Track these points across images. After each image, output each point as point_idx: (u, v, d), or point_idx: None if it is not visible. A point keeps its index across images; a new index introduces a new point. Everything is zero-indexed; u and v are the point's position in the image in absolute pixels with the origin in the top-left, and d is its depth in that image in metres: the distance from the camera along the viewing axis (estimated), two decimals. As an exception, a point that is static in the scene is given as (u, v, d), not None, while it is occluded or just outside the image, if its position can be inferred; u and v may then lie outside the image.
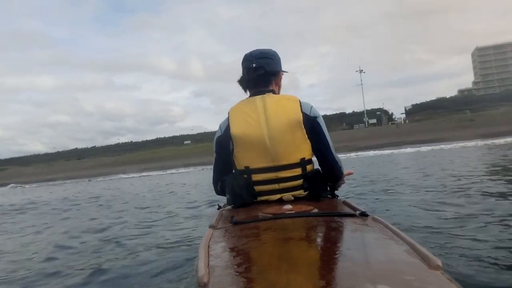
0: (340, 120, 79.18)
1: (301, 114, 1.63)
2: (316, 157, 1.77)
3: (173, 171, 28.57)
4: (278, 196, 1.68)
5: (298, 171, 1.68)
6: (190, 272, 2.00)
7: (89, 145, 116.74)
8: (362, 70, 74.36)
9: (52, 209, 7.41)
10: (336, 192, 1.87)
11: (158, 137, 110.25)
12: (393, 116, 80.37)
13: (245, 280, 0.80)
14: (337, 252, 0.94)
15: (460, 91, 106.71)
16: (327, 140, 1.72)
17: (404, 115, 78.25)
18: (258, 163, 1.67)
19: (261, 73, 1.74)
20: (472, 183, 4.92)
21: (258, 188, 1.68)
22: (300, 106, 1.66)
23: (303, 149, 1.68)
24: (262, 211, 1.39)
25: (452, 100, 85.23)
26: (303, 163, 1.69)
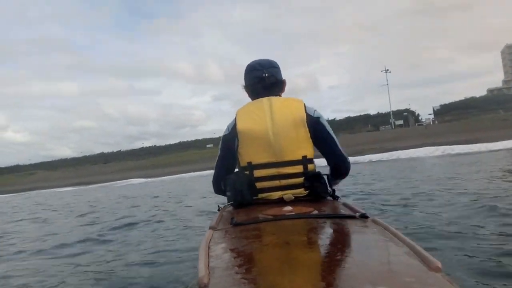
0: (365, 121, 77.55)
1: (305, 114, 1.72)
2: (324, 156, 1.84)
3: (198, 173, 28.20)
4: (279, 193, 1.71)
5: (299, 169, 1.72)
6: (190, 273, 2.00)
7: (115, 149, 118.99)
8: (387, 70, 71.94)
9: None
10: (336, 193, 1.86)
11: (181, 141, 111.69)
12: (419, 117, 77.88)
13: (245, 281, 0.80)
14: (337, 253, 0.94)
15: (490, 90, 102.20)
16: (332, 137, 1.80)
17: (432, 116, 75.65)
18: (261, 158, 1.72)
19: (273, 81, 1.85)
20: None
21: (259, 184, 1.72)
22: (305, 107, 1.75)
23: (305, 147, 1.73)
24: (263, 213, 1.40)
25: (482, 99, 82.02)
26: (305, 161, 1.73)
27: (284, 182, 1.72)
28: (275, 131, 1.69)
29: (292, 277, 0.78)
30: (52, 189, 34.45)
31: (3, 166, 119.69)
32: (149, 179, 29.63)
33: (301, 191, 1.72)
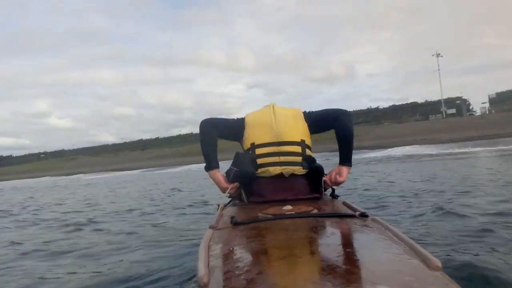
0: (413, 110, 72.88)
1: (302, 113, 2.01)
2: (325, 120, 1.99)
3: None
4: (278, 168, 1.85)
5: (298, 149, 1.89)
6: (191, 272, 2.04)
7: (153, 136, 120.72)
8: (439, 54, 66.53)
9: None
10: (336, 192, 1.94)
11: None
12: (470, 107, 71.85)
13: (245, 280, 0.80)
14: (337, 252, 0.94)
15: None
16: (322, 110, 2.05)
17: (487, 104, 69.56)
18: (263, 139, 1.91)
19: None
20: None
21: (260, 160, 1.87)
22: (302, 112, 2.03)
23: (304, 134, 1.94)
24: (262, 212, 1.41)
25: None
26: (303, 144, 1.91)
27: (283, 158, 1.86)
28: (277, 120, 1.92)
29: (292, 276, 0.79)
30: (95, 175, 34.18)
31: (49, 150, 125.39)
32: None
33: (300, 169, 1.86)
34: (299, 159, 1.87)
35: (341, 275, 0.78)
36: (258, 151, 1.88)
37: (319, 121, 1.97)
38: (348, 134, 1.92)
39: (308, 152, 1.91)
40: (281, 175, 1.84)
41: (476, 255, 1.98)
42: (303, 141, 1.90)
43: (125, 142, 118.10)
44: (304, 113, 2.00)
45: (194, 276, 1.86)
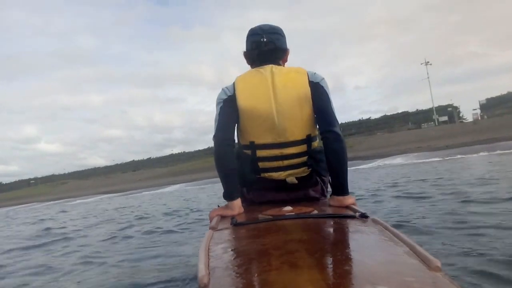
0: (405, 119, 72.63)
1: (309, 88, 1.61)
2: (317, 120, 1.65)
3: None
4: (281, 173, 1.69)
5: (303, 148, 1.67)
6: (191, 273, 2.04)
7: (145, 157, 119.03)
8: (428, 62, 66.22)
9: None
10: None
11: (209, 146, 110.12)
12: (460, 114, 71.85)
13: (245, 281, 0.80)
14: (337, 253, 0.94)
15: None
16: (329, 99, 1.65)
17: (478, 111, 69.63)
18: (264, 138, 1.65)
19: (271, 48, 1.72)
20: None
21: (262, 164, 1.69)
22: (308, 77, 1.64)
23: (310, 125, 1.66)
24: (262, 213, 1.39)
25: (535, 91, 74.78)
26: (309, 139, 1.68)
27: (287, 162, 1.68)
28: (280, 110, 1.60)
29: (292, 277, 0.78)
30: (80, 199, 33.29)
31: (39, 176, 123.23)
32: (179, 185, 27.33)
33: (304, 170, 1.70)
34: (304, 159, 1.69)
35: (341, 275, 0.79)
36: (260, 153, 1.68)
37: (316, 113, 1.65)
38: (339, 161, 1.57)
39: (314, 145, 1.70)
40: (283, 180, 1.71)
41: (477, 255, 1.97)
42: (309, 135, 1.67)
43: (117, 164, 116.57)
44: (311, 84, 1.62)
45: (194, 277, 1.87)
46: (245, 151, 1.71)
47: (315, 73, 1.67)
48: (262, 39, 1.70)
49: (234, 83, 1.66)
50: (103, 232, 5.02)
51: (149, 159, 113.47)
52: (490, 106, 71.09)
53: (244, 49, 1.80)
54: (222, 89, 1.69)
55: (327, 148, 1.56)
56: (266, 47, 1.70)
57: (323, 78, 1.66)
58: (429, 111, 67.72)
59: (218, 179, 1.61)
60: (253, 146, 1.67)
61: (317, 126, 1.67)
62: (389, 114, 79.95)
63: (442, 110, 67.60)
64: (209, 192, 12.18)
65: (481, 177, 6.05)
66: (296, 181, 1.69)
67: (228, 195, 1.58)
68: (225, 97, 1.66)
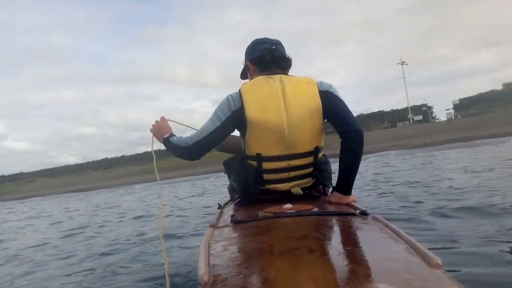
0: (380, 118, 73.61)
1: (320, 100, 1.58)
2: (336, 124, 1.61)
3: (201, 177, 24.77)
4: (286, 185, 1.65)
5: (310, 160, 1.65)
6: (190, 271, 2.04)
7: (119, 155, 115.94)
8: (404, 62, 66.51)
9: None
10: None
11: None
12: (433, 114, 73.34)
13: (246, 279, 0.80)
14: (338, 251, 0.94)
15: (506, 85, 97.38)
16: (344, 102, 1.63)
17: (452, 111, 71.38)
18: (272, 151, 1.60)
19: (282, 56, 1.74)
20: None
21: (267, 176, 1.64)
22: (318, 87, 1.62)
23: (319, 137, 1.64)
24: (263, 210, 1.39)
25: (506, 92, 77.20)
26: (317, 151, 1.66)
27: (293, 173, 1.64)
28: (291, 122, 1.55)
29: (293, 274, 0.78)
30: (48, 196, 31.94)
31: (6, 174, 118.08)
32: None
33: (308, 181, 1.68)
34: (309, 170, 1.66)
35: (342, 273, 0.79)
36: (266, 165, 1.61)
37: (332, 121, 1.61)
38: (356, 161, 1.57)
39: (319, 156, 1.68)
40: (288, 191, 1.66)
41: (477, 253, 1.95)
42: (317, 147, 1.64)
43: (88, 162, 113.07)
44: (321, 92, 1.59)
45: (194, 274, 1.88)
46: (250, 162, 1.66)
47: (321, 82, 1.65)
48: (272, 46, 1.72)
49: (240, 93, 1.60)
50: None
51: (123, 156, 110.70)
52: (464, 106, 73.02)
53: (244, 59, 1.82)
54: (227, 99, 1.62)
55: (346, 147, 1.54)
56: (277, 54, 1.72)
57: (331, 85, 1.65)
58: (404, 111, 68.85)
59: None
60: (260, 158, 1.62)
61: (336, 130, 1.61)
62: (365, 113, 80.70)
63: (416, 109, 68.88)
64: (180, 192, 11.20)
65: (466, 169, 6.15)
66: (301, 192, 1.67)
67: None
68: (229, 113, 1.60)
